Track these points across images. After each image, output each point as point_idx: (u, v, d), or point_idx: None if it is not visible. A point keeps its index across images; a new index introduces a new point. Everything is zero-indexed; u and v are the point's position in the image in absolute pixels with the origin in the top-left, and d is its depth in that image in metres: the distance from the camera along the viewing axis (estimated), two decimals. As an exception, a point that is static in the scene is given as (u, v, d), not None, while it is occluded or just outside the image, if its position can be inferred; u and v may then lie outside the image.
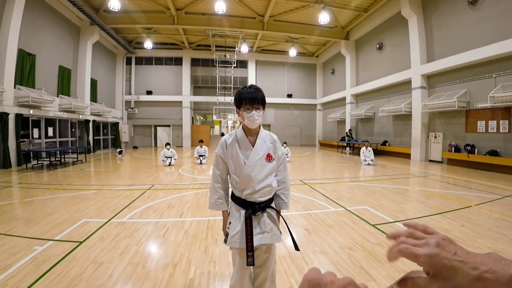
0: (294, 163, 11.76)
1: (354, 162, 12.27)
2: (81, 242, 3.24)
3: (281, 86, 24.17)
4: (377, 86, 15.82)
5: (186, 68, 22.36)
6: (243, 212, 1.72)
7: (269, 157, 1.78)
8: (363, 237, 3.52)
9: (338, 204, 5.14)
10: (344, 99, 19.61)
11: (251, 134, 1.79)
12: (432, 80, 12.29)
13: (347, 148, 17.76)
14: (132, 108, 21.52)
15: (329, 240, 3.42)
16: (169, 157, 10.67)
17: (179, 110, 22.31)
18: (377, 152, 14.72)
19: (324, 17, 14.44)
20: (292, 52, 21.23)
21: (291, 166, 10.87)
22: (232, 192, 1.83)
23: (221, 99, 22.39)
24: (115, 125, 20.10)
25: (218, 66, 21.92)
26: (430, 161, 12.17)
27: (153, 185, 6.86)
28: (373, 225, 3.95)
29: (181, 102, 22.22)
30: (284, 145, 12.78)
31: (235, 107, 1.81)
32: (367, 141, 13.01)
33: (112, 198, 5.47)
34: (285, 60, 23.73)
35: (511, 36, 8.59)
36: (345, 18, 16.85)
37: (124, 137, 21.08)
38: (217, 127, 33.32)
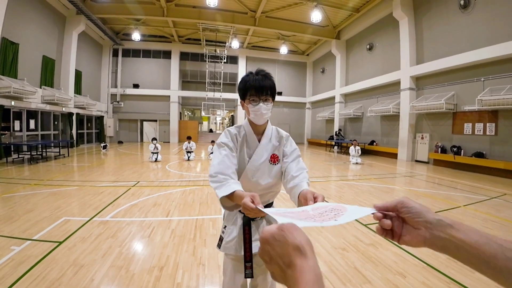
0: None
1: (342, 161, 12.36)
2: (60, 243, 3.04)
3: (271, 83, 24.11)
4: (367, 86, 15.98)
5: (174, 62, 21.88)
6: (240, 216, 1.49)
7: (273, 159, 1.49)
8: (355, 237, 3.48)
9: (326, 201, 5.09)
10: (333, 98, 19.73)
11: (256, 131, 1.52)
12: (420, 82, 12.49)
13: (335, 147, 17.90)
14: (118, 102, 20.89)
15: (321, 240, 3.36)
16: (156, 153, 10.40)
17: (166, 105, 21.84)
18: (365, 152, 14.89)
19: (316, 16, 14.41)
20: (283, 49, 21.16)
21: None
22: None
23: (210, 94, 22.10)
24: (100, 119, 19.49)
25: (208, 61, 21.55)
26: (417, 161, 12.40)
27: (138, 181, 6.63)
28: (365, 225, 3.92)
29: (169, 96, 21.76)
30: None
31: (239, 98, 1.51)
32: (355, 140, 13.12)
33: (95, 195, 5.23)
34: (276, 58, 23.64)
35: (500, 41, 8.76)
36: (337, 17, 16.88)
37: (109, 131, 20.45)
38: (205, 123, 32.91)
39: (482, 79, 9.66)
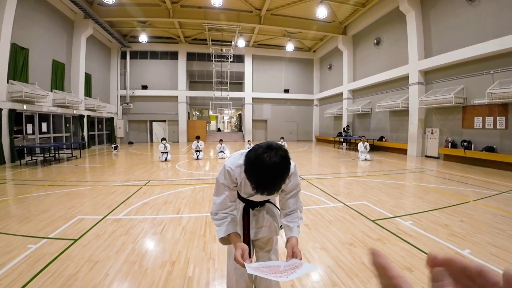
0: (292, 159, 11.77)
1: (351, 158, 12.29)
2: (75, 240, 3.17)
3: (278, 81, 24.05)
4: (374, 81, 15.79)
5: (181, 62, 22.08)
6: (241, 205, 1.70)
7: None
8: (363, 232, 3.50)
9: (336, 199, 5.13)
10: (341, 94, 19.57)
11: None
12: (429, 76, 12.28)
13: (344, 144, 17.78)
14: (127, 103, 21.26)
15: (329, 236, 3.39)
16: (165, 153, 10.57)
17: (174, 105, 22.09)
18: (374, 148, 14.74)
19: (322, 12, 14.30)
20: (289, 47, 21.06)
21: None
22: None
23: (218, 94, 22.24)
24: (110, 120, 19.86)
25: (215, 61, 21.66)
26: (427, 156, 12.22)
27: (149, 181, 6.78)
28: (373, 221, 3.93)
29: (177, 97, 21.99)
30: (281, 140, 12.79)
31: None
32: (363, 136, 13.01)
33: (108, 194, 5.39)
34: (282, 55, 23.56)
35: (509, 33, 8.55)
36: (342, 13, 16.71)
37: (119, 132, 20.84)
38: (213, 122, 33.14)
39: (491, 72, 9.44)
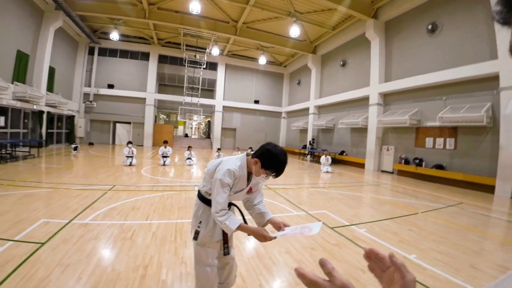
0: None
1: (314, 169, 12.95)
2: (43, 243, 3.09)
3: (249, 91, 24.59)
4: (339, 100, 16.92)
5: (153, 64, 21.62)
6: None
7: (250, 190, 1.95)
8: (323, 238, 3.86)
9: (300, 208, 5.49)
10: (307, 109, 20.56)
11: (246, 175, 1.88)
12: (388, 98, 13.53)
13: (308, 156, 18.60)
14: (91, 101, 20.17)
15: (293, 241, 3.68)
16: (131, 157, 10.28)
17: (141, 107, 21.43)
18: (335, 161, 15.68)
19: (295, 31, 15.13)
20: (262, 60, 21.76)
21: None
22: (206, 198, 1.95)
23: (188, 99, 22.07)
24: (71, 119, 18.70)
25: (187, 66, 21.58)
26: (382, 171, 13.34)
27: (114, 185, 6.61)
28: (332, 228, 4.33)
29: (145, 99, 21.40)
30: (249, 149, 13.13)
31: (259, 156, 1.75)
32: (326, 150, 13.86)
33: (71, 197, 5.19)
34: (254, 67, 24.22)
35: (463, 64, 9.78)
36: (314, 33, 17.81)
37: (80, 132, 19.66)
38: (181, 127, 32.47)
39: (444, 98, 10.70)
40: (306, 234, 1.45)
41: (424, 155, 11.33)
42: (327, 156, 12.33)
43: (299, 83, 23.30)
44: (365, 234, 4.12)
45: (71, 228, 3.64)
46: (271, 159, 1.72)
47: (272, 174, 1.73)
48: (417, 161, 11.31)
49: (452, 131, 10.28)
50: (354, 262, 3.14)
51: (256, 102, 24.63)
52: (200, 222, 1.95)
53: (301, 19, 15.36)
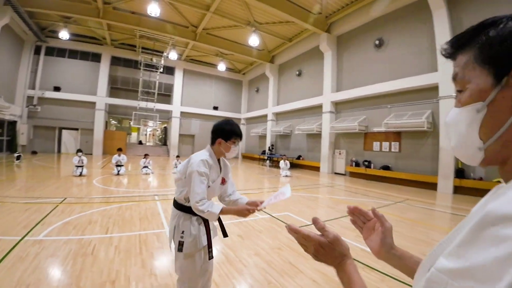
0: None
1: (274, 174, 13.31)
2: (-4, 263, 2.74)
3: (208, 97, 24.41)
4: (295, 107, 17.78)
5: (104, 66, 20.21)
6: (194, 218, 1.91)
7: (223, 181, 2.02)
8: (288, 238, 4.03)
9: (264, 211, 5.62)
10: (266, 116, 21.18)
11: (217, 161, 1.97)
12: (339, 106, 14.60)
13: (267, 161, 19.04)
14: (35, 106, 18.03)
15: (260, 243, 3.80)
16: (81, 166, 9.45)
17: (91, 112, 19.82)
18: (293, 165, 16.34)
19: (254, 40, 15.55)
20: (221, 66, 21.85)
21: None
22: (185, 205, 1.92)
23: (143, 104, 21.07)
24: (12, 124, 16.47)
25: (143, 69, 20.64)
26: (336, 173, 14.27)
27: (66, 198, 6.05)
28: (296, 229, 4.52)
29: (95, 103, 19.85)
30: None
31: (216, 137, 1.90)
32: (284, 155, 14.39)
33: (20, 212, 4.65)
34: (213, 73, 24.19)
35: (406, 75, 11.07)
36: (272, 43, 18.51)
37: (22, 139, 17.37)
38: (134, 134, 30.66)
39: (389, 106, 11.94)
40: (282, 199, 1.61)
41: (372, 157, 12.45)
42: (286, 161, 12.80)
43: (257, 91, 23.84)
44: (326, 232, 4.39)
45: (24, 245, 3.29)
46: (226, 129, 1.91)
47: (237, 139, 1.91)
48: (366, 163, 12.40)
49: (397, 135, 11.51)
50: (317, 263, 3.34)
51: (215, 108, 24.52)
52: (183, 231, 1.88)
53: (260, 29, 15.88)
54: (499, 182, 0.50)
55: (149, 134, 32.68)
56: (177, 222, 1.91)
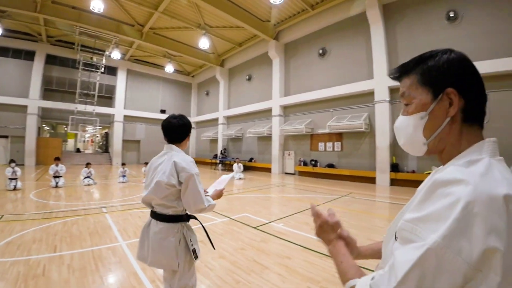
0: None
1: (228, 178, 13.32)
2: None
3: (154, 100, 23.31)
4: (245, 111, 18.19)
5: (38, 65, 17.88)
6: (187, 226, 1.89)
7: None
8: (249, 238, 4.21)
9: (222, 215, 5.71)
10: (217, 119, 21.12)
11: None
12: (287, 110, 15.39)
13: (220, 165, 18.99)
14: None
15: (223, 246, 3.89)
16: (14, 179, 8.23)
17: (21, 117, 17.38)
18: (246, 168, 16.63)
19: (204, 43, 15.48)
20: (169, 68, 21.10)
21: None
22: (182, 215, 1.85)
23: (81, 107, 19.17)
24: None
25: (81, 69, 18.75)
26: (286, 173, 15.01)
27: (3, 215, 5.27)
28: (255, 227, 4.75)
29: (26, 107, 17.42)
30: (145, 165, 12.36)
31: (187, 134, 1.96)
32: (237, 158, 14.60)
33: None
34: (160, 75, 23.21)
35: (346, 82, 12.31)
36: (222, 47, 18.59)
37: None
38: (71, 141, 27.48)
39: (331, 110, 13.11)
40: (228, 178, 2.05)
41: (318, 157, 13.46)
42: (239, 164, 12.99)
43: (207, 94, 23.63)
44: (283, 228, 4.72)
45: (-37, 271, 2.82)
46: (190, 123, 2.01)
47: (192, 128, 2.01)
48: (313, 162, 13.38)
49: (339, 136, 12.71)
50: (280, 252, 3.62)
51: (163, 111, 23.49)
52: (190, 239, 1.83)
53: (211, 32, 15.88)
54: (429, 173, 0.75)
55: (87, 140, 29.54)
56: (181, 235, 1.80)
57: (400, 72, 0.75)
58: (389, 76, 0.80)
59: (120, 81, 21.32)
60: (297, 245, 3.92)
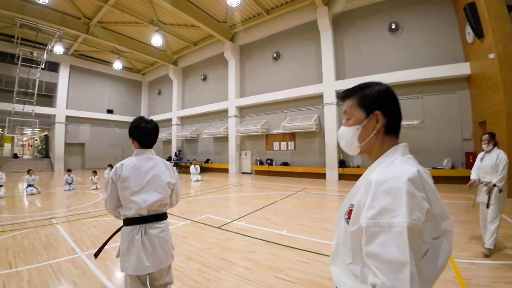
0: None
1: (184, 180, 13.07)
2: None
3: (100, 99, 21.50)
4: (201, 111, 17.99)
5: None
6: None
7: None
8: (214, 238, 4.32)
9: (184, 218, 5.69)
10: (170, 120, 20.39)
11: None
12: (243, 111, 15.67)
13: (175, 167, 18.35)
14: None
15: (189, 248, 3.93)
16: None
17: None
18: (202, 169, 16.42)
19: (157, 40, 14.86)
20: (117, 65, 19.73)
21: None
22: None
23: (19, 107, 16.80)
24: None
25: (20, 64, 16.40)
26: (243, 173, 15.28)
27: None
28: (218, 227, 4.86)
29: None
30: (109, 168, 11.56)
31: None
32: (194, 159, 14.42)
33: None
34: (107, 71, 21.50)
35: (298, 85, 13.11)
36: (176, 45, 18.04)
37: None
38: (7, 145, 23.36)
39: (285, 111, 13.80)
40: None
41: (273, 156, 14.06)
42: (196, 165, 12.84)
43: (159, 93, 22.68)
44: (246, 225, 4.92)
45: None
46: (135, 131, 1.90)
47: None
48: (268, 161, 13.95)
49: (292, 136, 13.47)
50: (244, 248, 3.80)
51: (110, 111, 21.79)
52: None
53: (164, 29, 15.35)
54: None
55: (25, 144, 25.66)
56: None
57: (345, 96, 1.00)
58: (337, 97, 1.10)
59: (63, 78, 19.18)
60: (260, 239, 4.14)
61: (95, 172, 10.47)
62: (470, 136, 9.39)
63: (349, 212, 0.87)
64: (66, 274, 3.17)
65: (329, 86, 11.84)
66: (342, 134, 1.01)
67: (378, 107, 0.91)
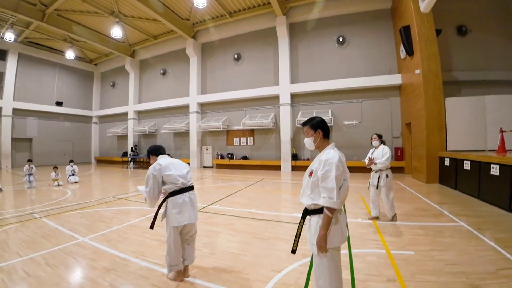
0: (88, 184, 10.32)
1: (141, 176, 12.86)
2: None
3: (48, 90, 19.77)
4: (160, 106, 17.95)
5: None
6: None
7: None
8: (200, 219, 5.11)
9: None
10: (126, 114, 19.76)
11: None
12: (204, 107, 16.27)
13: (131, 163, 18.01)
14: None
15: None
16: None
17: None
18: (162, 164, 16.59)
19: (116, 32, 14.42)
20: (70, 54, 18.41)
21: (86, 189, 10.07)
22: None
23: None
24: None
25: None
26: (204, 167, 15.94)
27: None
28: (198, 210, 5.61)
29: None
30: (71, 163, 10.62)
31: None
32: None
33: None
34: (57, 61, 19.82)
35: (257, 86, 14.26)
36: (135, 37, 17.64)
37: None
38: None
39: (244, 109, 14.82)
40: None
41: (234, 150, 15.05)
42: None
43: (113, 85, 21.70)
44: (221, 208, 5.84)
45: None
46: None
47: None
48: (229, 155, 14.90)
49: (251, 132, 14.65)
50: (225, 222, 4.74)
51: (59, 104, 20.11)
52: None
53: (124, 21, 15.06)
54: None
55: None
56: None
57: (304, 124, 2.03)
58: (299, 125, 2.21)
59: (10, 67, 17.22)
60: (236, 216, 5.11)
61: (56, 168, 10.01)
62: (398, 134, 11.69)
63: (310, 173, 1.89)
64: (80, 254, 3.49)
65: (285, 89, 13.29)
66: (306, 141, 2.01)
67: (319, 127, 1.95)
